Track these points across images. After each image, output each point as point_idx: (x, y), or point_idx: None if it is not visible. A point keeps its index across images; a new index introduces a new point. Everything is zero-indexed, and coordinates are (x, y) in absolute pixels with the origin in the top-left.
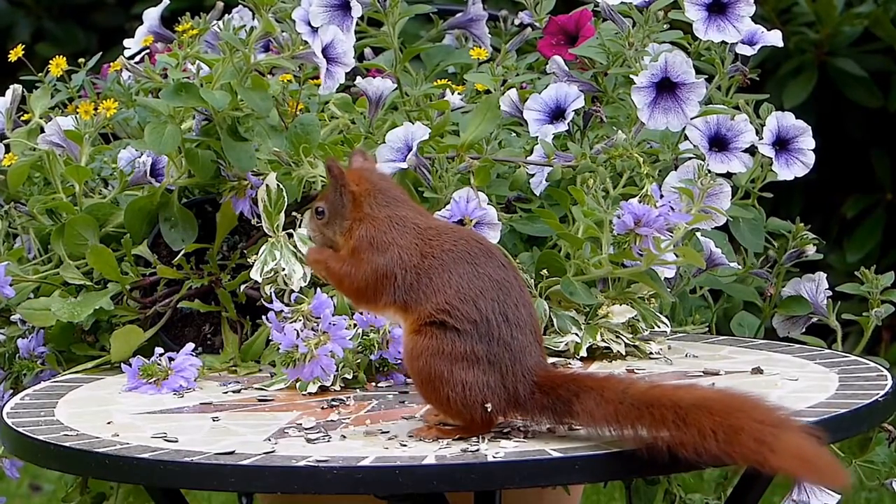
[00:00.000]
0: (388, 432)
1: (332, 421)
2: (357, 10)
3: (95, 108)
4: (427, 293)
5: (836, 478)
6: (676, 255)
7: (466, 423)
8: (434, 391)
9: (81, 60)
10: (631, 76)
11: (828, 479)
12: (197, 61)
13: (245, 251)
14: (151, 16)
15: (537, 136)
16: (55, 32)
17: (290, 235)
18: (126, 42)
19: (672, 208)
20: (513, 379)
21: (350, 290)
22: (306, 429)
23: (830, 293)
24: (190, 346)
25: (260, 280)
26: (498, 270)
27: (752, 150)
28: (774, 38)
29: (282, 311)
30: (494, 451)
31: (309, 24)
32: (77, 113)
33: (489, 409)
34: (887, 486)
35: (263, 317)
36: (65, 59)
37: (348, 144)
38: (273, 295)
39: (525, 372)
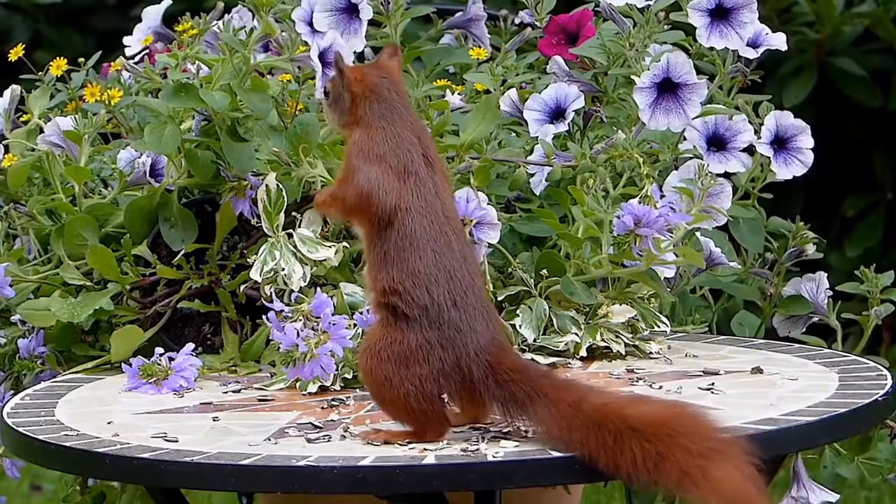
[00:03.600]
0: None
1: (332, 421)
2: (367, 13)
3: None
4: (388, 259)
5: None
6: (676, 255)
7: (420, 425)
8: (393, 395)
9: (81, 60)
10: (632, 76)
11: None
12: (197, 62)
13: (245, 251)
14: (151, 15)
15: (537, 136)
16: (52, 37)
17: (290, 235)
18: (126, 40)
19: (672, 208)
20: (465, 360)
21: (348, 206)
22: (314, 427)
23: (831, 293)
24: (190, 346)
25: (260, 280)
26: (455, 259)
27: (751, 150)
28: (778, 40)
29: (282, 310)
30: (494, 451)
31: (309, 24)
32: (77, 112)
33: (446, 400)
34: (891, 482)
35: (263, 317)
36: (64, 60)
37: None
38: (273, 295)
39: (478, 352)
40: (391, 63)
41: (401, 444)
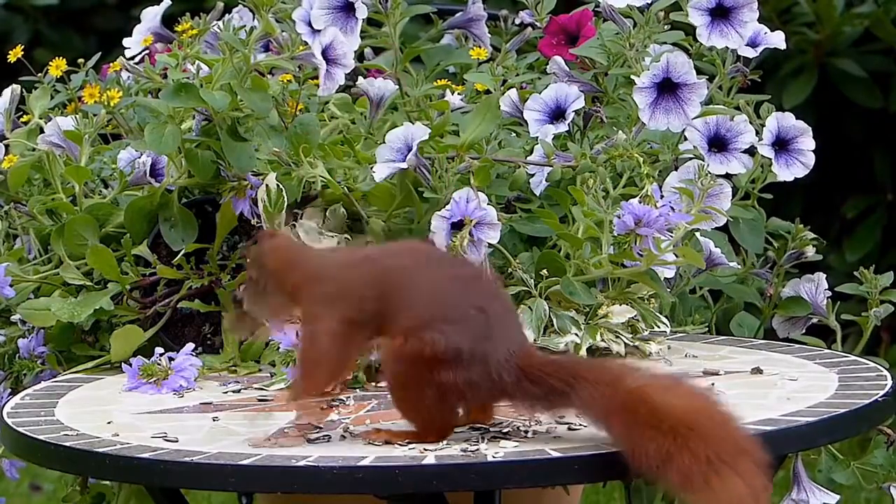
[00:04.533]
0: None
1: (332, 421)
2: (362, 12)
3: (100, 94)
4: (393, 310)
5: None
6: (676, 256)
7: (426, 427)
8: (413, 393)
9: (81, 60)
10: (632, 76)
11: None
12: (197, 61)
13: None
14: (150, 15)
15: (537, 137)
16: (53, 38)
17: (293, 227)
18: (126, 41)
19: (672, 209)
20: (497, 367)
21: (328, 355)
22: (313, 427)
23: (830, 294)
24: (190, 346)
25: None
26: (458, 268)
27: (751, 151)
28: (777, 39)
29: None
30: (494, 451)
31: (309, 24)
32: (77, 113)
33: (460, 414)
34: (885, 490)
35: None
36: (64, 60)
37: (348, 144)
38: None
39: (508, 358)
40: (280, 238)
41: (401, 444)
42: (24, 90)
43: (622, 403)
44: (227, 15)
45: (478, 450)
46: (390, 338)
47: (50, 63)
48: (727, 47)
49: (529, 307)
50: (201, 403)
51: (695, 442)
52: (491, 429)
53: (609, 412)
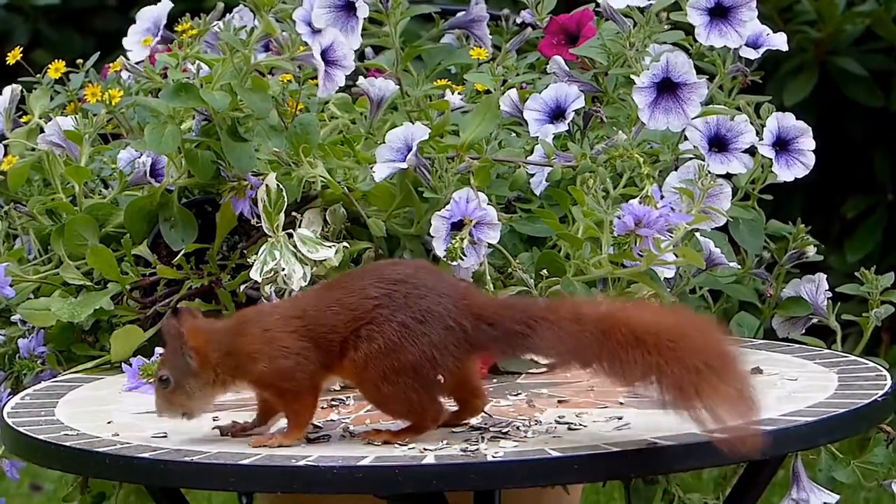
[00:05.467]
0: None
1: (331, 421)
2: (363, 11)
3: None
4: (326, 335)
5: (743, 443)
6: (676, 256)
7: (419, 416)
8: (391, 388)
9: (80, 61)
10: (632, 76)
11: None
12: (197, 61)
13: (245, 251)
14: (148, 16)
15: (537, 136)
16: (52, 38)
17: (290, 235)
18: (126, 43)
19: (672, 209)
20: (450, 316)
21: (303, 407)
22: (314, 426)
23: (830, 294)
24: None
25: (260, 280)
26: (347, 274)
27: (752, 151)
28: (779, 41)
29: None
30: (494, 451)
31: (309, 24)
32: (77, 112)
33: (441, 381)
34: (885, 487)
35: None
36: (63, 62)
37: (348, 144)
38: (273, 295)
39: (456, 304)
40: (198, 318)
41: (401, 444)
42: (24, 90)
43: (596, 333)
44: (227, 15)
45: (478, 450)
46: (347, 356)
47: (49, 65)
48: (728, 47)
49: None
50: None
51: (681, 353)
52: (491, 429)
53: (580, 347)
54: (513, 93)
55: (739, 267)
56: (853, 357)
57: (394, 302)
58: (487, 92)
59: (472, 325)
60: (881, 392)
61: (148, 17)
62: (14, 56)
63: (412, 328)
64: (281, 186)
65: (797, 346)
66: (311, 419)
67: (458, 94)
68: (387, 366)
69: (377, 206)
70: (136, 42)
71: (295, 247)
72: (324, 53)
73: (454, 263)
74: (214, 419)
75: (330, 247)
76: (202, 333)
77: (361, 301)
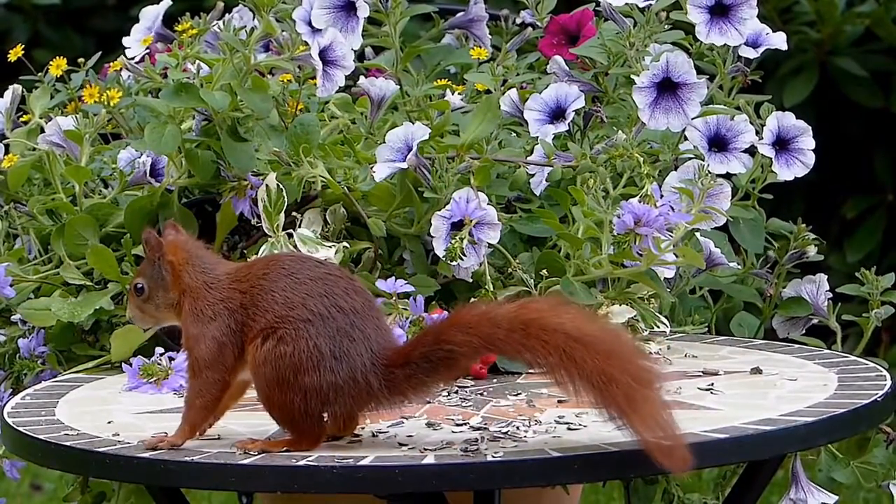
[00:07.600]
0: (387, 432)
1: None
2: (364, 11)
3: (100, 94)
4: (257, 317)
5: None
6: (676, 256)
7: (299, 433)
8: (279, 396)
9: (81, 60)
10: (632, 76)
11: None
12: (197, 61)
13: (245, 251)
14: (149, 15)
15: (537, 136)
16: (52, 38)
17: (290, 235)
18: (126, 41)
19: (672, 208)
20: (363, 371)
21: (205, 370)
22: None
23: (831, 294)
24: None
25: None
26: (315, 269)
27: (751, 151)
28: (778, 40)
29: None
30: (494, 451)
31: (309, 24)
32: (77, 112)
33: (326, 420)
34: (884, 488)
35: None
36: (64, 59)
37: (348, 144)
38: None
39: (374, 360)
40: (182, 235)
41: (278, 452)
42: (24, 90)
43: (518, 325)
44: (227, 15)
45: (477, 450)
46: (252, 342)
47: (50, 63)
48: (728, 47)
49: None
50: None
51: (623, 362)
52: (491, 429)
53: (493, 338)
54: (513, 93)
55: (740, 267)
56: (853, 357)
57: (326, 327)
58: (487, 92)
59: (380, 381)
60: (881, 392)
61: (150, 17)
62: (15, 53)
63: (324, 359)
64: (281, 186)
65: (797, 346)
66: (212, 411)
67: (458, 94)
68: (283, 375)
69: (377, 206)
70: (137, 41)
71: (295, 247)
72: (323, 53)
73: (454, 263)
74: (214, 419)
75: (330, 247)
76: (182, 251)
77: (300, 308)
